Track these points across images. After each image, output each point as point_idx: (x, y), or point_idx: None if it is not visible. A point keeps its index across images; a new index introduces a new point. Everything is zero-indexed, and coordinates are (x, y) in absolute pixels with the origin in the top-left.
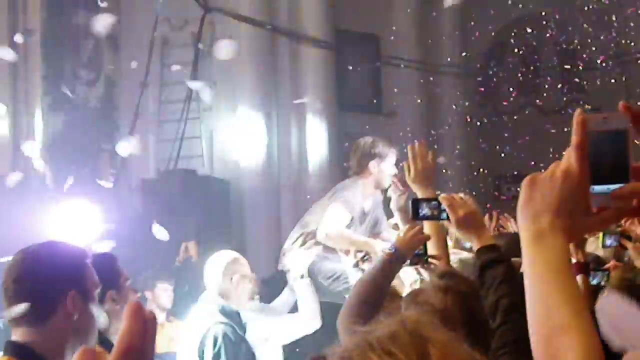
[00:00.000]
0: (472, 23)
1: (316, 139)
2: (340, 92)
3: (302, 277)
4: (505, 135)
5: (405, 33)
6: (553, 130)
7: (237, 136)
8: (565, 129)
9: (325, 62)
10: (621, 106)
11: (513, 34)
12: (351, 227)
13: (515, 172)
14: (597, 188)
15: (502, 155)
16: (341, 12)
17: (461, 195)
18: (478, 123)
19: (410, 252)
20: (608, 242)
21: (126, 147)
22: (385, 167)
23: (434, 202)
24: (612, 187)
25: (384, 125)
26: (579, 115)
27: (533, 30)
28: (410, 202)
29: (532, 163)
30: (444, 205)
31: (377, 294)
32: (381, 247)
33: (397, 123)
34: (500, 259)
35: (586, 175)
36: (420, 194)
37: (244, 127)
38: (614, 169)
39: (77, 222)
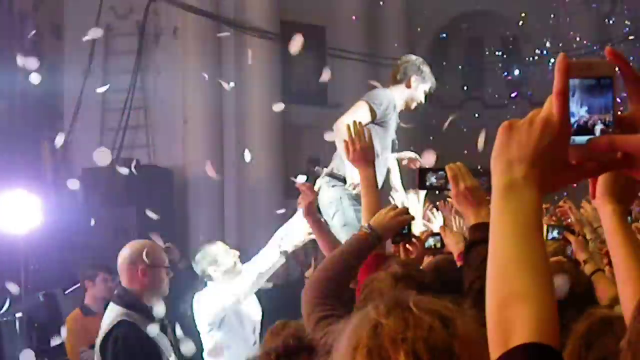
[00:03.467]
0: (418, 16)
1: (261, 130)
2: (286, 84)
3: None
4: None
5: (351, 25)
6: (495, 123)
7: (181, 126)
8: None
9: (270, 54)
10: (607, 52)
11: (458, 27)
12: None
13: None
14: (578, 139)
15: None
16: (287, 3)
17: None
18: (421, 116)
19: (388, 233)
20: (551, 235)
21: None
22: (423, 88)
23: (440, 172)
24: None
25: (329, 117)
26: (562, 60)
27: (477, 25)
28: (417, 171)
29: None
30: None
31: (346, 272)
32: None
33: (342, 115)
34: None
35: (567, 124)
36: (361, 173)
37: (188, 117)
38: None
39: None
